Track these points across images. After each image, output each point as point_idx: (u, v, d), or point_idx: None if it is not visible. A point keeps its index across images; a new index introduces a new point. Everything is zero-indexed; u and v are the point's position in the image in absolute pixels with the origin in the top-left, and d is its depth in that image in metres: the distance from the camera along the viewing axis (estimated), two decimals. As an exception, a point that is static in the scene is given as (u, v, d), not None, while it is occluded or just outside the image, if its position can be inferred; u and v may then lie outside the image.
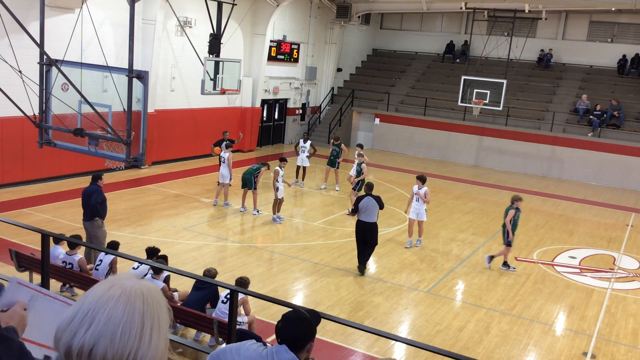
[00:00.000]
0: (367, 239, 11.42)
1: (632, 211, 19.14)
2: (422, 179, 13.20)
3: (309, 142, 18.54)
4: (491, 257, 12.44)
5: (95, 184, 10.25)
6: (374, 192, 11.68)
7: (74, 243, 8.95)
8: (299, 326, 3.19)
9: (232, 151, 17.04)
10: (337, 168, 18.26)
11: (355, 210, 11.54)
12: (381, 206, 11.41)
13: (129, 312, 1.35)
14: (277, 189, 14.18)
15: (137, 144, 9.71)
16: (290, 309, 3.45)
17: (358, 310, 9.86)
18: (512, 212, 12.02)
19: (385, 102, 27.49)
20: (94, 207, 10.08)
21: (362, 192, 16.01)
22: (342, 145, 18.47)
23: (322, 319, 3.76)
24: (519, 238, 14.96)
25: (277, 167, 14.32)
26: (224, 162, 15.26)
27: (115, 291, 1.38)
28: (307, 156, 18.30)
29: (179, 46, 19.52)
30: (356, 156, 16.32)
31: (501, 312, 10.26)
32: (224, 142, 15.81)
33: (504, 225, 12.22)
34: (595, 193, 21.64)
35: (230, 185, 16.12)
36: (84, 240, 10.00)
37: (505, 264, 12.42)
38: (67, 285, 9.33)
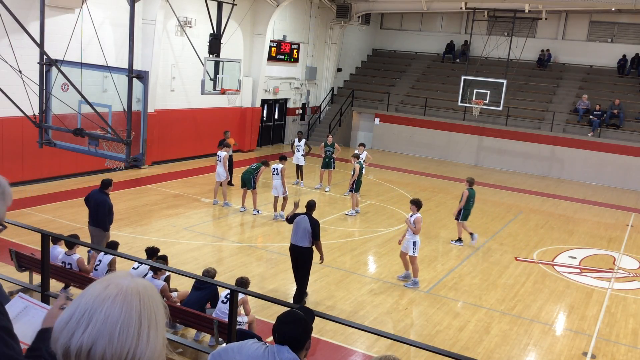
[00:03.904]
0: (298, 264, 9.85)
1: (632, 211, 19.14)
2: (417, 204, 11.19)
3: (303, 140, 18.64)
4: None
5: (104, 192, 10.17)
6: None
7: (72, 243, 8.93)
8: (296, 327, 3.20)
9: (233, 151, 17.08)
10: (333, 168, 18.29)
11: (291, 221, 10.00)
12: (315, 234, 9.56)
13: (126, 311, 1.35)
14: (284, 187, 14.35)
15: (137, 144, 9.71)
16: (284, 310, 3.46)
17: (358, 310, 9.86)
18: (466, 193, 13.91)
19: (385, 102, 27.48)
20: (102, 222, 10.07)
21: (359, 193, 16.15)
22: (336, 145, 18.45)
23: (322, 319, 3.76)
24: (519, 238, 14.99)
25: (282, 165, 14.39)
26: (219, 161, 15.33)
27: (112, 290, 1.37)
28: (302, 155, 18.40)
29: (179, 46, 19.52)
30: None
31: (501, 312, 10.26)
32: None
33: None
34: (595, 193, 21.63)
35: (231, 185, 16.14)
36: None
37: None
38: (68, 287, 9.31)
